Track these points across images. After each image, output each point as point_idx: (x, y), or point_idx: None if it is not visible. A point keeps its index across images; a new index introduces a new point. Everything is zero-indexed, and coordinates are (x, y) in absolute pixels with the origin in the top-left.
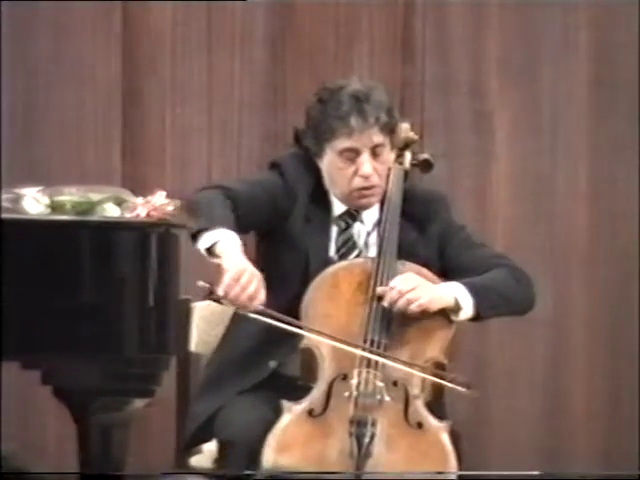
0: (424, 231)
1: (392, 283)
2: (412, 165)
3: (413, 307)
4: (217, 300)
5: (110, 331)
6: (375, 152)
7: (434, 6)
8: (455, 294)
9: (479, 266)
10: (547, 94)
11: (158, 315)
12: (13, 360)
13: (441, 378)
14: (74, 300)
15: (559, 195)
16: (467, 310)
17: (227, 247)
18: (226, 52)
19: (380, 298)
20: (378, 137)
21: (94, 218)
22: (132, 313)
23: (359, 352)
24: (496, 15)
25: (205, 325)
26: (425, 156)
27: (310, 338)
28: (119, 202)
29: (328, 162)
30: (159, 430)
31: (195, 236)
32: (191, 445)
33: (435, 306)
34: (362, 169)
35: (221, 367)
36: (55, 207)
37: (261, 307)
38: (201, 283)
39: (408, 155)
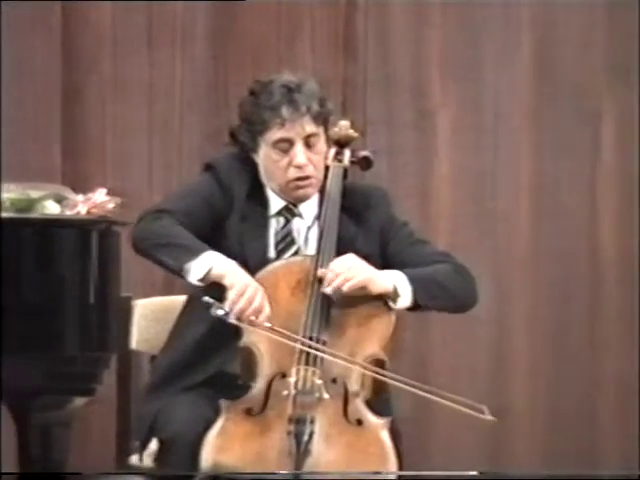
0: (363, 224)
1: (331, 265)
2: (351, 162)
3: (350, 284)
4: (224, 316)
5: (50, 329)
6: (309, 142)
7: (376, 5)
8: (394, 281)
9: (422, 263)
10: (489, 92)
11: (99, 313)
12: None
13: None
14: (14, 298)
15: (501, 193)
16: (405, 298)
17: (225, 266)
18: (167, 50)
19: (323, 296)
20: (311, 126)
21: (34, 215)
22: (73, 311)
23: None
24: (438, 14)
25: (146, 323)
26: (364, 153)
27: (249, 336)
28: (59, 199)
29: (263, 155)
30: (100, 429)
31: (179, 271)
32: (145, 445)
33: (372, 287)
34: (296, 159)
35: (169, 366)
36: None
37: (269, 324)
38: (206, 299)
39: (347, 152)
